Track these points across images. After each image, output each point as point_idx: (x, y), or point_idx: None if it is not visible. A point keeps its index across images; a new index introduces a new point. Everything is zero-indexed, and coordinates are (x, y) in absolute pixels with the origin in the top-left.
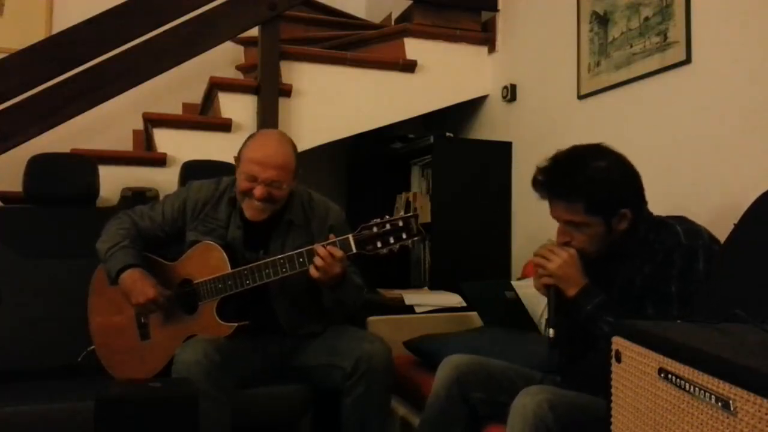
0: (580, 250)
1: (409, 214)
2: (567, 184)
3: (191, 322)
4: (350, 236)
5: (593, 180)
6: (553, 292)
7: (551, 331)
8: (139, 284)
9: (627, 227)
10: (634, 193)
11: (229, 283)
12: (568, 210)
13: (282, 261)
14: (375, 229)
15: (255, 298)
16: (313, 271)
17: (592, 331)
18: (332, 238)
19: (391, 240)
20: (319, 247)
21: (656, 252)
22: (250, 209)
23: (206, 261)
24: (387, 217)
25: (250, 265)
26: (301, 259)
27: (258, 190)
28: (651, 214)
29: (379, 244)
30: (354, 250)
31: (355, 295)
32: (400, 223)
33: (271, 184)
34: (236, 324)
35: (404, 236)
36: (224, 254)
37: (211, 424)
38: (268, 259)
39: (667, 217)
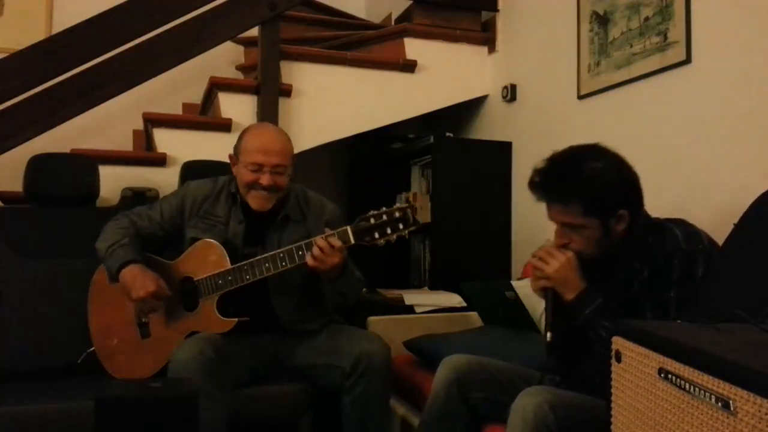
0: (579, 252)
1: (405, 205)
2: (563, 186)
3: (192, 318)
4: (348, 228)
5: (589, 181)
6: (550, 295)
7: (549, 335)
8: (139, 278)
9: (625, 229)
10: (632, 194)
11: (229, 278)
12: (564, 212)
13: (282, 255)
14: (372, 221)
15: (254, 294)
16: (310, 261)
17: (588, 336)
18: (328, 231)
19: (388, 230)
20: (318, 239)
21: (655, 256)
22: (256, 200)
23: (206, 258)
24: (383, 208)
25: (250, 260)
26: (300, 252)
27: (265, 179)
28: (649, 216)
29: (376, 235)
30: (352, 242)
31: (356, 287)
32: (397, 214)
33: (275, 171)
34: (237, 320)
35: (401, 227)
36: (223, 251)
37: (207, 422)
38: (268, 254)
39: (667, 219)
